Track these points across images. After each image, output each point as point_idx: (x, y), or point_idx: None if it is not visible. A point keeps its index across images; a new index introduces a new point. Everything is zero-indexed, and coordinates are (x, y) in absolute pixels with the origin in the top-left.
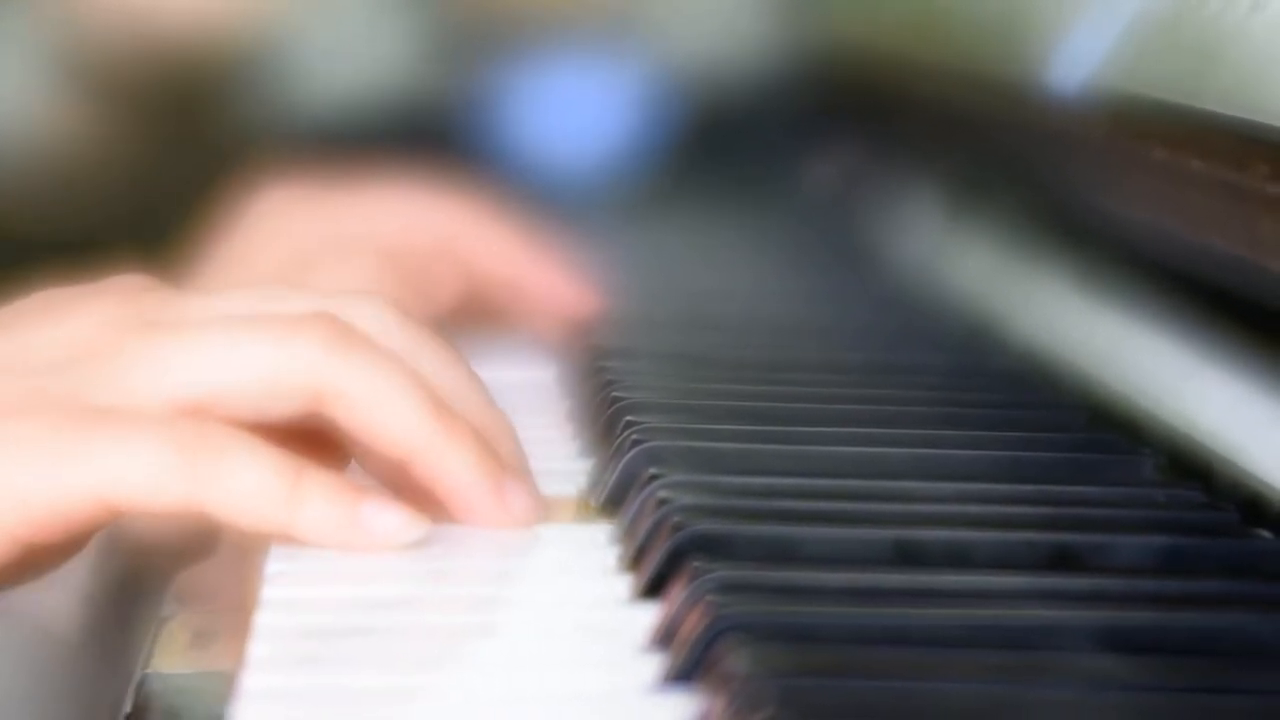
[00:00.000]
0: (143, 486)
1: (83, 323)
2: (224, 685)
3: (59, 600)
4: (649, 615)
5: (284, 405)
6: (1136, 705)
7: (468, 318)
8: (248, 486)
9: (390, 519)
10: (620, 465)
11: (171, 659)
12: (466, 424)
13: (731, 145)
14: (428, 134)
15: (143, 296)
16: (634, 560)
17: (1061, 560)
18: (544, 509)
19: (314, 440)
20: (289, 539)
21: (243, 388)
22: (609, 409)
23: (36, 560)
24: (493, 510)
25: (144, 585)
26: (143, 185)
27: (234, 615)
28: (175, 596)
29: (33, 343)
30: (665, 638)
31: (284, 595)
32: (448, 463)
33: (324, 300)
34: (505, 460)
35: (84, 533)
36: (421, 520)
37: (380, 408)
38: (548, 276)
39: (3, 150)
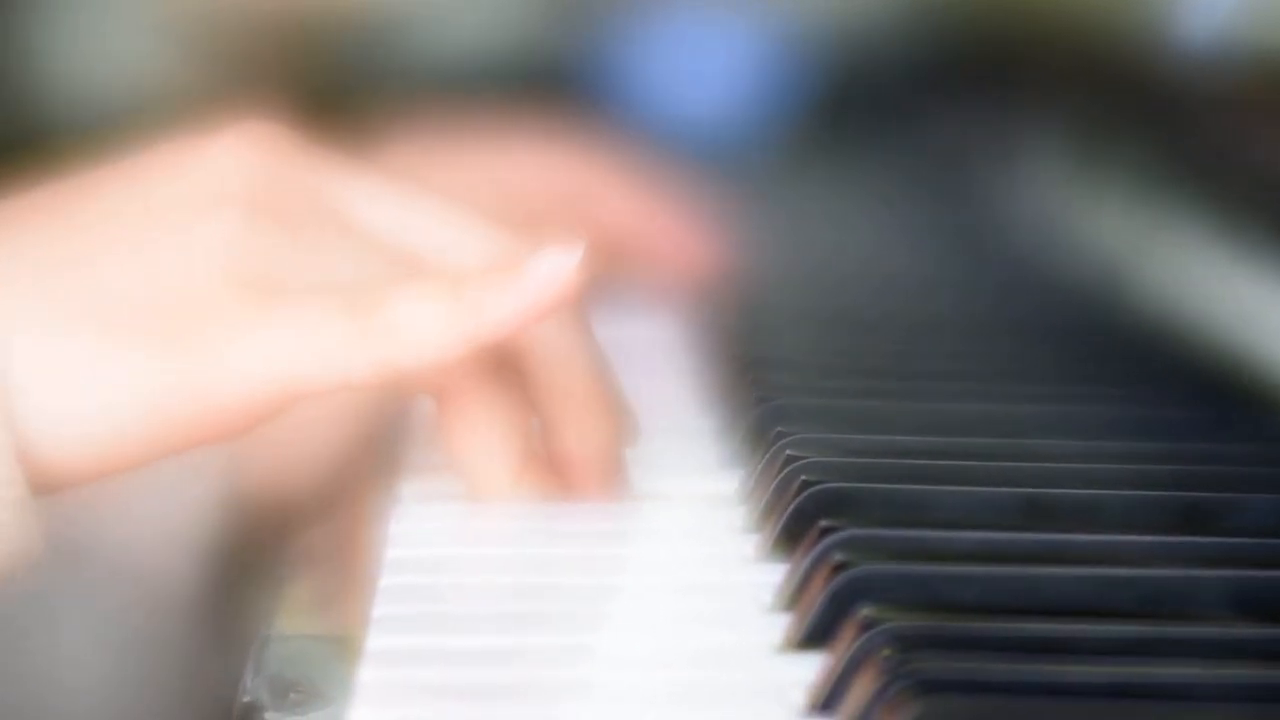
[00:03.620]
0: (318, 359)
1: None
2: (346, 647)
3: (181, 562)
4: (776, 574)
5: None
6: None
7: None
8: (420, 322)
9: (552, 257)
10: (748, 422)
11: (293, 620)
12: (615, 396)
13: (863, 100)
14: (553, 85)
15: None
16: (761, 519)
17: (1193, 518)
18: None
19: None
20: (479, 340)
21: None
22: (736, 366)
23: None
24: (596, 490)
25: (266, 547)
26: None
27: (355, 576)
28: (297, 558)
29: (189, 183)
30: (792, 597)
31: (406, 556)
32: (583, 426)
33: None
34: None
35: (267, 418)
36: (577, 240)
37: (557, 353)
38: (673, 231)
39: (119, 112)
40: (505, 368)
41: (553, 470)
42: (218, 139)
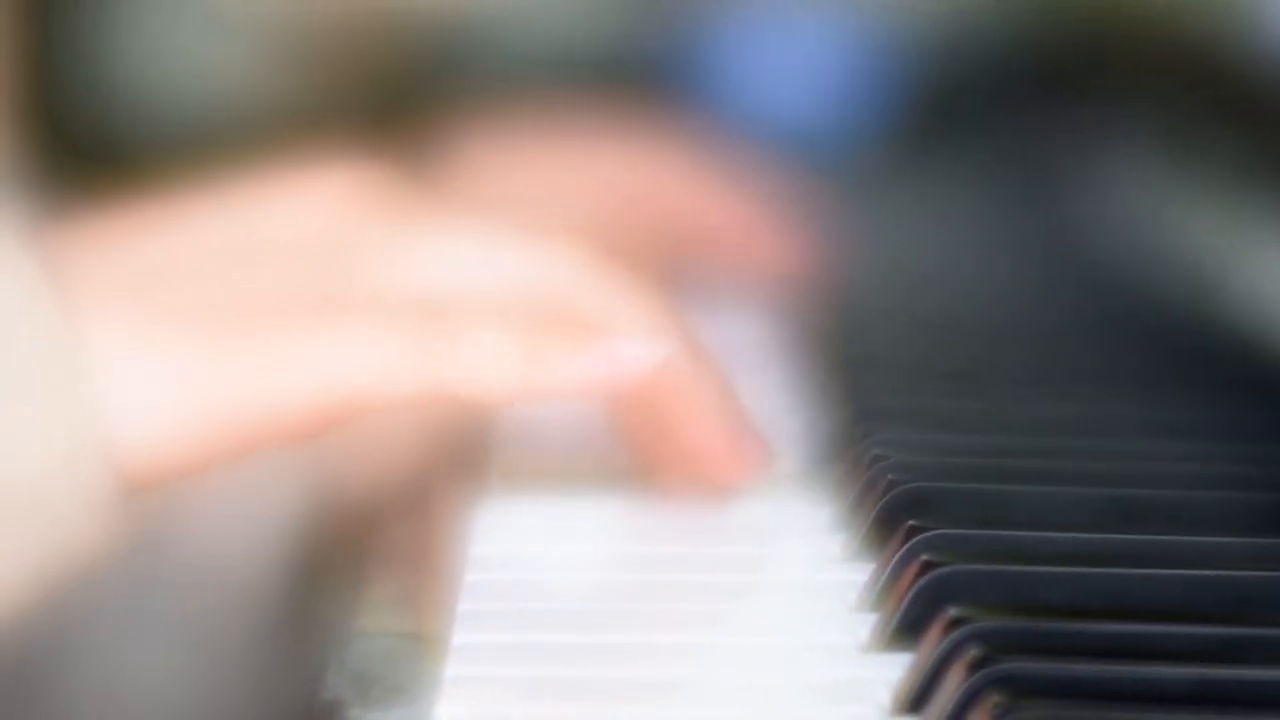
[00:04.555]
0: (377, 375)
1: (325, 205)
2: (428, 645)
3: (263, 559)
4: (862, 574)
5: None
6: None
7: (673, 272)
8: (487, 358)
9: (634, 345)
10: (835, 421)
11: (375, 618)
12: (718, 370)
13: (951, 100)
14: (640, 82)
15: (379, 188)
16: (848, 517)
17: None
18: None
19: None
20: (539, 396)
21: (497, 293)
22: (822, 365)
23: (262, 451)
24: (728, 460)
25: (347, 544)
26: (338, 142)
27: (438, 573)
28: (379, 555)
29: (272, 226)
30: (879, 596)
31: (492, 552)
32: (695, 402)
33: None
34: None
35: (325, 429)
36: (668, 337)
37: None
38: (758, 229)
39: (209, 116)
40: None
41: (690, 468)
42: (305, 185)
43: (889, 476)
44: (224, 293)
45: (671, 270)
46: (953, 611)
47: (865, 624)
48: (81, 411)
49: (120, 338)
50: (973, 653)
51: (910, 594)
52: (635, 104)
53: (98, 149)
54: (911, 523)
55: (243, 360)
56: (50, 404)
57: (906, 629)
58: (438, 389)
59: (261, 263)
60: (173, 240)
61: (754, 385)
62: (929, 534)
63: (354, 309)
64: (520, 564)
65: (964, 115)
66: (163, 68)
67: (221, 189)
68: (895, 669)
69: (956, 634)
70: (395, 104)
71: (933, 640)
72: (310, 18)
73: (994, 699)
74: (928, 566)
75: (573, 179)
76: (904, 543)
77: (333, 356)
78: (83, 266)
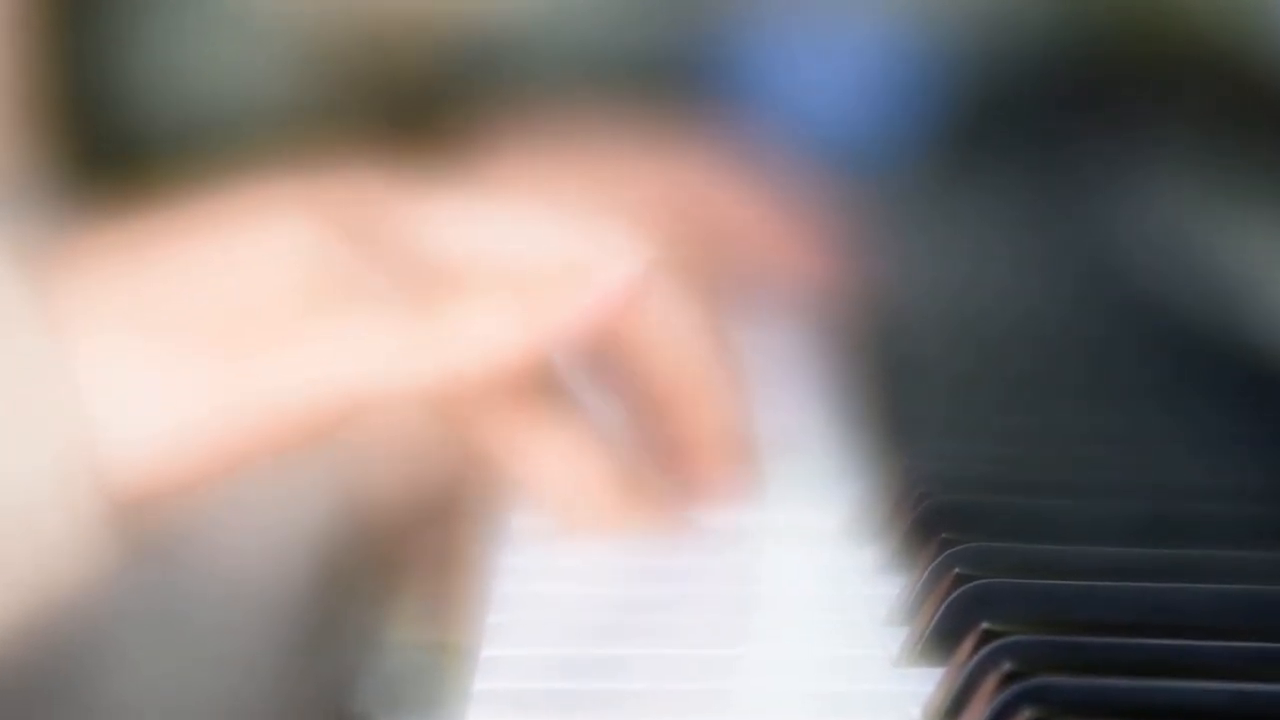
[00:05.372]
0: (383, 369)
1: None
2: (456, 657)
3: (289, 571)
4: (893, 587)
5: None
6: None
7: (706, 278)
8: (483, 328)
9: (618, 266)
10: (866, 435)
11: (403, 631)
12: (743, 388)
13: (991, 114)
14: (678, 88)
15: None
16: (879, 531)
17: None
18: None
19: None
20: (543, 349)
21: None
22: (853, 379)
23: (266, 457)
24: (710, 481)
25: (375, 556)
26: (365, 150)
27: (466, 585)
28: (406, 567)
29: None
30: (910, 610)
31: (522, 564)
32: (706, 413)
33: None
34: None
35: (329, 429)
36: (643, 248)
37: (671, 328)
38: (794, 241)
39: (236, 121)
40: (553, 390)
41: (674, 465)
42: (290, 194)
43: (921, 489)
44: (217, 289)
45: (711, 278)
46: (985, 625)
47: (896, 637)
48: (71, 433)
49: (112, 352)
50: (1005, 667)
51: (942, 607)
52: (675, 112)
53: (121, 153)
54: (944, 535)
55: (237, 367)
56: (39, 426)
57: (938, 642)
58: (445, 373)
59: (249, 268)
60: (163, 253)
61: (784, 397)
62: (962, 547)
63: (341, 302)
64: (550, 576)
65: (1001, 126)
66: (189, 72)
67: (208, 206)
68: (926, 683)
69: (989, 648)
70: (428, 112)
71: (965, 654)
72: (340, 23)
73: (1027, 714)
74: (960, 580)
75: (611, 188)
76: (936, 556)
77: (332, 351)
78: (73, 281)
